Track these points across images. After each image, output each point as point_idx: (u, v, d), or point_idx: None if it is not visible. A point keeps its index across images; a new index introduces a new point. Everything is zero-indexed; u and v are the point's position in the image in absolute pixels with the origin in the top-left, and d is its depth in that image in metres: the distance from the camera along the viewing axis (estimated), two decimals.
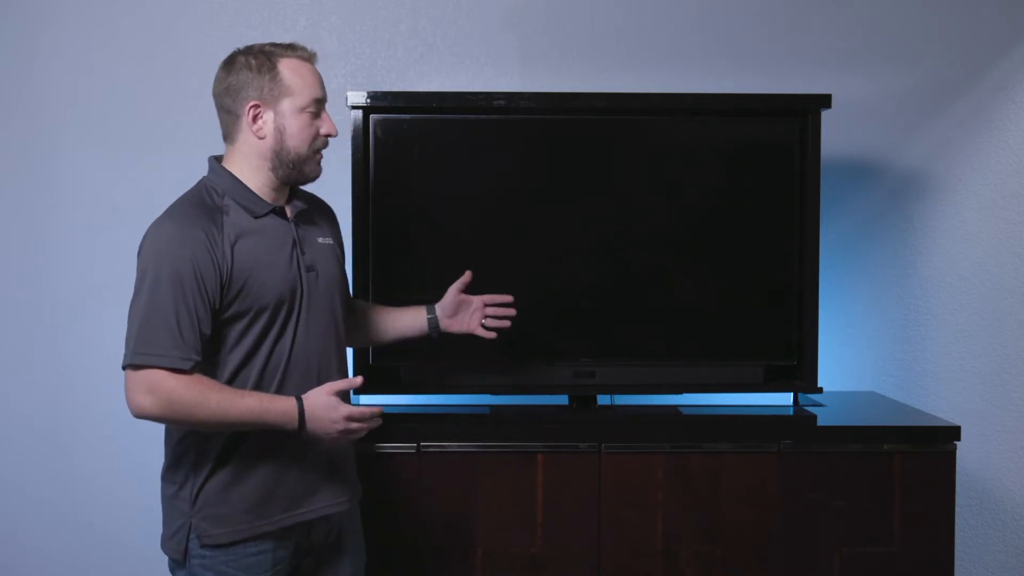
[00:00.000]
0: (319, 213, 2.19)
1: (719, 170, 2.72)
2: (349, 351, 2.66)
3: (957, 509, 2.71)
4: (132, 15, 3.08)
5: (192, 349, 1.90)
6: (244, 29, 3.07)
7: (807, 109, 2.68)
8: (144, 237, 1.97)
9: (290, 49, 2.04)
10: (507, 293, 2.41)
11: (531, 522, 2.51)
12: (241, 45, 2.08)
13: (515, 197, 2.69)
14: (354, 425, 1.98)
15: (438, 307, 2.38)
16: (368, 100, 2.61)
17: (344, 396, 2.07)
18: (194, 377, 1.90)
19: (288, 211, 2.08)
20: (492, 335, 2.38)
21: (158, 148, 3.06)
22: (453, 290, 2.38)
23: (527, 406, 2.77)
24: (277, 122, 2.01)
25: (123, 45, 3.09)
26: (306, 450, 2.04)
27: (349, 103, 2.61)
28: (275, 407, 1.94)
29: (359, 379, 2.02)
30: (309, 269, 2.06)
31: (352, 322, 2.36)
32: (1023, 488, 3.11)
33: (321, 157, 2.09)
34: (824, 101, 2.66)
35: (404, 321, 2.38)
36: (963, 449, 2.69)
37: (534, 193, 2.69)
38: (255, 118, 2.01)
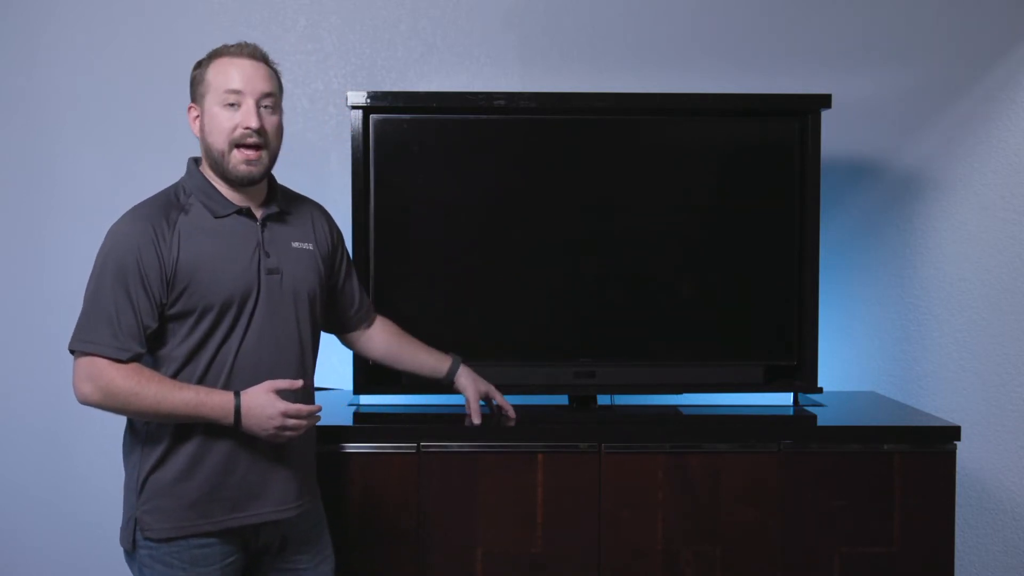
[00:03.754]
0: (302, 218, 2.19)
1: (719, 170, 2.72)
2: (348, 351, 2.67)
3: (957, 509, 2.71)
4: (132, 15, 3.08)
5: (132, 340, 1.94)
6: (244, 29, 3.07)
7: (807, 109, 2.68)
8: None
9: (224, 48, 2.07)
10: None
11: (531, 522, 2.51)
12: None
13: (515, 197, 2.69)
14: (291, 422, 1.98)
15: (465, 375, 2.49)
16: (368, 100, 2.61)
17: (306, 395, 2.10)
18: (133, 367, 1.94)
19: (258, 213, 2.09)
20: (477, 420, 2.50)
21: (158, 148, 3.06)
22: (490, 395, 2.55)
23: (527, 406, 2.76)
24: (203, 120, 2.06)
25: (123, 45, 3.09)
26: (254, 452, 2.04)
27: (349, 103, 2.61)
28: (212, 401, 1.96)
29: (299, 382, 2.01)
30: (271, 272, 2.06)
31: (380, 339, 2.44)
32: (1023, 488, 3.11)
33: (247, 156, 2.02)
34: (824, 101, 2.66)
35: (428, 363, 2.48)
36: (963, 449, 2.69)
37: (534, 193, 2.69)
38: (194, 119, 2.08)
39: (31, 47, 3.08)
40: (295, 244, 2.13)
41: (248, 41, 2.09)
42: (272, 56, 2.09)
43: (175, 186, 2.09)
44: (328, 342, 3.03)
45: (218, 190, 2.06)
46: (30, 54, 3.08)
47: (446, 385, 2.51)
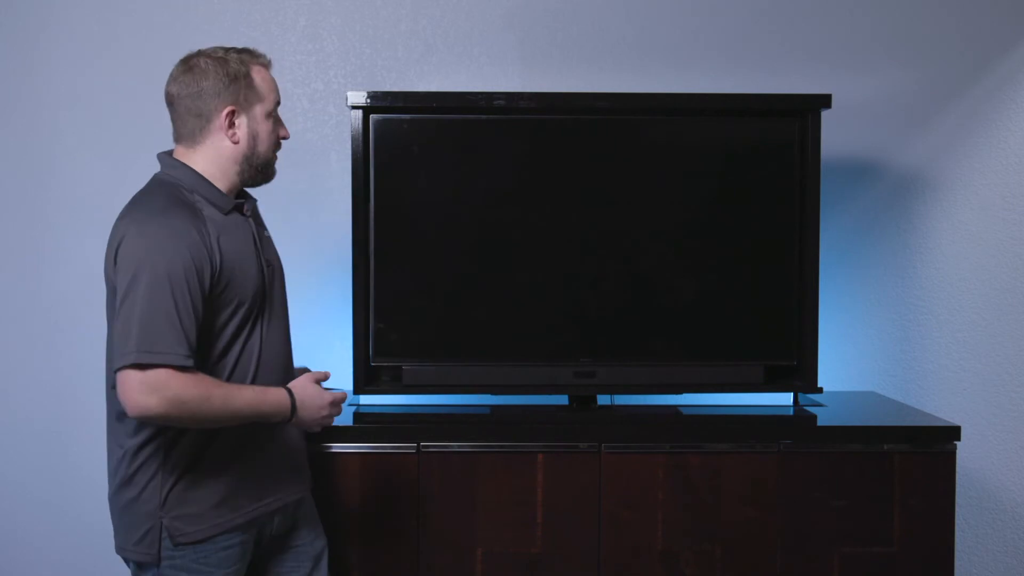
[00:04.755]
0: (255, 209, 2.20)
1: (719, 170, 2.72)
2: (348, 351, 2.68)
3: (957, 509, 2.71)
4: (132, 15, 3.08)
5: (191, 347, 1.90)
6: (244, 29, 3.07)
7: (807, 109, 2.68)
8: (129, 236, 1.93)
9: (252, 55, 2.08)
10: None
11: (531, 522, 2.51)
12: (236, 45, 2.10)
13: (515, 197, 2.69)
14: (335, 410, 2.09)
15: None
16: (368, 100, 2.61)
17: (289, 375, 2.16)
18: (196, 375, 1.90)
19: (244, 208, 2.10)
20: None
21: (158, 148, 3.04)
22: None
23: (527, 406, 2.77)
24: (251, 127, 2.05)
25: (123, 45, 3.09)
26: (270, 444, 2.09)
27: (349, 103, 2.61)
28: (269, 399, 1.99)
29: (329, 372, 2.13)
30: (268, 264, 2.10)
31: None
32: (1023, 488, 3.11)
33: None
34: (824, 101, 2.66)
35: None
36: (963, 449, 2.69)
37: (534, 193, 2.69)
38: (231, 124, 2.04)
39: (31, 47, 3.08)
40: (265, 234, 2.18)
41: (241, 46, 2.11)
42: (272, 56, 2.10)
43: (170, 184, 2.04)
44: (329, 343, 3.04)
45: (216, 187, 2.05)
46: (30, 54, 3.08)
47: None
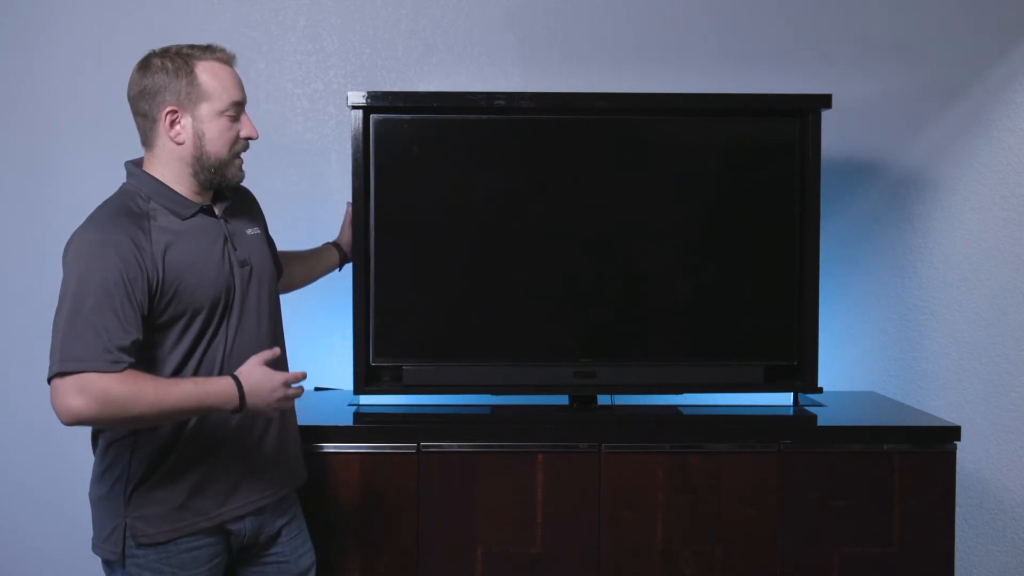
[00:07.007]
0: (243, 203, 2.18)
1: (719, 170, 2.72)
2: (348, 351, 2.68)
3: (957, 509, 2.71)
4: (132, 15, 3.08)
5: (122, 352, 1.85)
6: (244, 29, 3.07)
7: (807, 109, 2.68)
8: (68, 245, 1.93)
9: (208, 51, 2.02)
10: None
11: (531, 522, 2.51)
12: (229, 45, 2.09)
13: (515, 197, 2.69)
14: (292, 391, 1.97)
15: (341, 242, 2.64)
16: (368, 100, 2.61)
17: (281, 367, 2.10)
18: (127, 373, 1.85)
19: (216, 208, 2.07)
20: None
21: None
22: (347, 226, 2.64)
23: (527, 406, 2.77)
24: (195, 127, 2.00)
25: (122, 45, 3.08)
26: (239, 446, 2.05)
27: (349, 103, 2.61)
28: (212, 389, 1.91)
29: (277, 349, 2.00)
30: (242, 264, 2.05)
31: (286, 274, 2.43)
32: (1023, 488, 3.11)
33: (242, 161, 2.07)
34: (824, 101, 2.66)
35: (322, 265, 2.61)
36: (963, 449, 2.69)
37: (534, 193, 2.69)
38: (172, 123, 2.00)
39: (31, 47, 3.08)
40: (249, 231, 2.13)
41: (219, 43, 2.06)
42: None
43: (127, 194, 2.01)
44: (329, 343, 3.04)
45: (178, 192, 2.01)
46: (30, 54, 3.08)
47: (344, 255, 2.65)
